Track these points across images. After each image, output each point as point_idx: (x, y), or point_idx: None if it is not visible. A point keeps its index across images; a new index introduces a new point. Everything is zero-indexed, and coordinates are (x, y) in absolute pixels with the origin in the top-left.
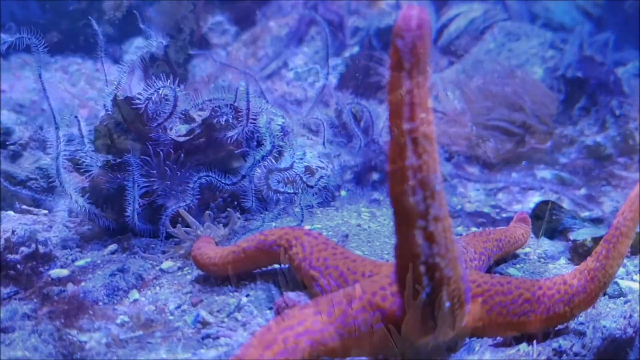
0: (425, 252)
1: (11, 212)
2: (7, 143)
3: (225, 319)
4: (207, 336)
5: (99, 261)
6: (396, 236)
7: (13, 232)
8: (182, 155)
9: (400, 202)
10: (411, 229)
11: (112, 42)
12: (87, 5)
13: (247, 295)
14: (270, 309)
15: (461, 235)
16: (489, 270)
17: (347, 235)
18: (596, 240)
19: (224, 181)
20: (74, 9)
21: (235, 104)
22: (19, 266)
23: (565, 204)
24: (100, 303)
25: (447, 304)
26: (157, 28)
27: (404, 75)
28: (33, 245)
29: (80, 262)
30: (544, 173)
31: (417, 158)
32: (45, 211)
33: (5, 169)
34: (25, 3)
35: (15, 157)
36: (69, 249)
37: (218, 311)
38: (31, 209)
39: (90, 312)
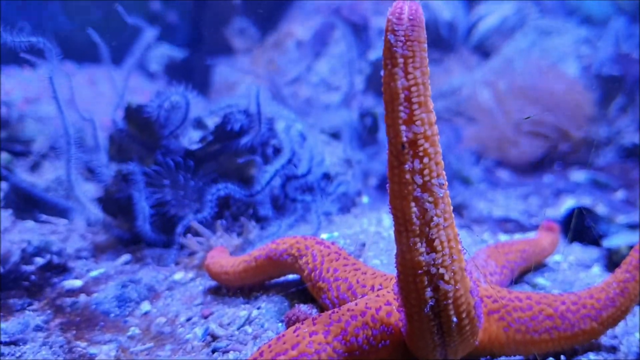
0: (428, 262)
1: (32, 222)
2: (27, 153)
3: (236, 332)
4: (217, 349)
5: (112, 272)
6: (397, 245)
7: (29, 242)
8: (195, 163)
9: (400, 209)
10: (412, 237)
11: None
12: (110, 14)
13: (259, 308)
14: (282, 321)
15: (486, 243)
16: (514, 280)
17: (364, 244)
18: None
19: (243, 192)
20: (99, 18)
21: (249, 110)
22: (33, 277)
23: (601, 208)
24: (112, 314)
25: (454, 319)
26: (181, 34)
27: (398, 71)
28: (48, 256)
29: (94, 273)
30: (578, 176)
31: (418, 161)
32: (65, 221)
33: (25, 179)
34: (52, 14)
35: (35, 166)
36: (84, 259)
37: (228, 324)
38: (51, 218)
39: (102, 323)
